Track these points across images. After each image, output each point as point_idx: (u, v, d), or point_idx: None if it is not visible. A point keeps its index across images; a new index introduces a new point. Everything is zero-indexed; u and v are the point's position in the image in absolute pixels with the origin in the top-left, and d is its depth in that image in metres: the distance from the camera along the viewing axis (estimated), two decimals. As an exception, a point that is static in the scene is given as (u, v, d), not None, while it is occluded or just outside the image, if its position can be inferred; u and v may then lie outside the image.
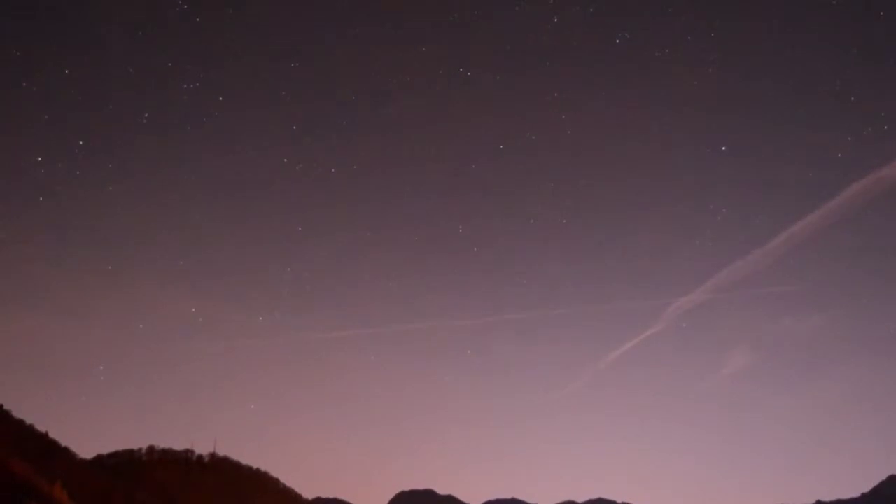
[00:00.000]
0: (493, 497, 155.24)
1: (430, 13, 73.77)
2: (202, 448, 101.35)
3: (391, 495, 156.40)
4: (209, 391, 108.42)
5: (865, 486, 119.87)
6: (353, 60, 77.60)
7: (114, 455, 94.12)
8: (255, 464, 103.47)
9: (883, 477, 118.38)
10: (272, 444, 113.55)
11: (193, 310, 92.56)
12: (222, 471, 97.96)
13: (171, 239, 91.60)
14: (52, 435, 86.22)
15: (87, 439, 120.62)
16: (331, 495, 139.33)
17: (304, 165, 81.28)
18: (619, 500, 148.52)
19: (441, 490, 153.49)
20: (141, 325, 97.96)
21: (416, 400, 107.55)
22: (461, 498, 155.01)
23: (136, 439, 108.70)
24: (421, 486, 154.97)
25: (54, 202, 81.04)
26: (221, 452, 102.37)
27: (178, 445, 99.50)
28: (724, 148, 77.71)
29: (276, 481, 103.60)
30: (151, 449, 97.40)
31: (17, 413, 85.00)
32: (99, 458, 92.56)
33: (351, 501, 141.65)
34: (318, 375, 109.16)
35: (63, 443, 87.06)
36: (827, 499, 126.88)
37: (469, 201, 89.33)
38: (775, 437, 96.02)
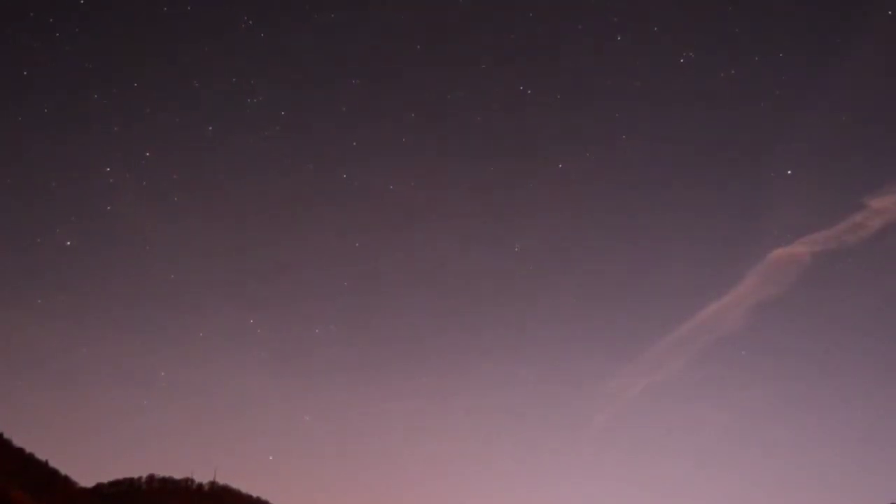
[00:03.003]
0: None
1: (491, 30, 75.33)
2: (202, 476, 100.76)
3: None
4: (211, 418, 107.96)
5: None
6: (414, 78, 79.06)
7: (114, 484, 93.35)
8: (255, 492, 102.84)
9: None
10: (273, 473, 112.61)
11: (251, 321, 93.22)
12: (222, 499, 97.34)
13: (229, 251, 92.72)
14: (52, 463, 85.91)
15: (87, 468, 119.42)
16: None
17: (360, 181, 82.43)
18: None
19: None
20: (201, 334, 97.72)
21: (422, 433, 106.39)
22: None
23: (136, 468, 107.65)
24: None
25: (120, 211, 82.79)
26: (221, 481, 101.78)
27: (179, 474, 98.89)
28: (789, 172, 77.51)
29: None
30: (151, 478, 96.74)
31: (18, 442, 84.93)
32: (99, 487, 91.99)
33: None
34: (326, 404, 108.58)
35: (63, 471, 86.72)
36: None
37: (524, 221, 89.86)
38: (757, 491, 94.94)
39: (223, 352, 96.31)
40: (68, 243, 78.88)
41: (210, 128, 79.75)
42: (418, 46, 78.65)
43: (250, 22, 72.05)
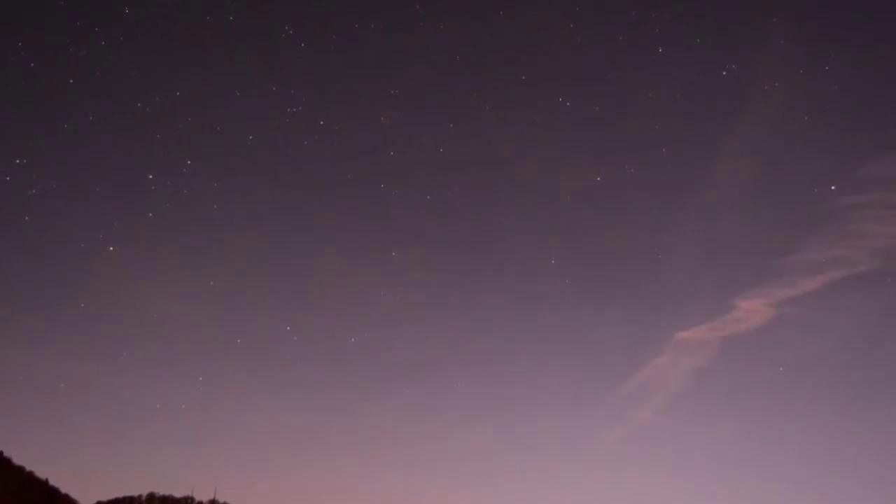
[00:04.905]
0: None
1: (531, 43, 75.99)
2: (202, 494, 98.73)
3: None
4: (211, 436, 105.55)
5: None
6: (452, 88, 79.19)
7: (114, 502, 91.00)
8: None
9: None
10: (273, 491, 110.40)
11: (288, 328, 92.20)
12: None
13: (266, 258, 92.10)
14: (52, 482, 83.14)
15: (87, 486, 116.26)
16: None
17: (399, 191, 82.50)
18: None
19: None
20: (239, 341, 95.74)
21: (422, 446, 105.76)
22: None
23: (136, 485, 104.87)
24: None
25: (162, 217, 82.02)
26: (222, 499, 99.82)
27: (179, 492, 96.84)
28: (833, 188, 78.88)
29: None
30: (152, 496, 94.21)
31: (18, 460, 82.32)
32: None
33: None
34: (329, 420, 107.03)
35: (63, 489, 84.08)
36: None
37: (562, 233, 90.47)
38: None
39: (259, 358, 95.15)
40: (111, 249, 77.82)
41: (250, 137, 79.34)
42: (458, 57, 79.00)
43: (291, 31, 71.98)
